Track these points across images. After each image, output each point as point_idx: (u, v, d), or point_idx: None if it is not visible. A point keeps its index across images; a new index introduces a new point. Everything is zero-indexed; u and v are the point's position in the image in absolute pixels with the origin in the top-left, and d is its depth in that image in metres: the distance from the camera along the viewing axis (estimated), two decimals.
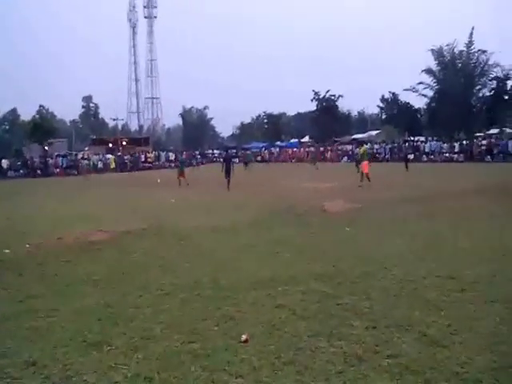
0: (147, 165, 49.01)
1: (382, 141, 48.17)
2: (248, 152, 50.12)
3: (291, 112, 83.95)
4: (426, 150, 41.57)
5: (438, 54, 47.43)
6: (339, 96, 59.66)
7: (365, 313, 4.58)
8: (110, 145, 54.25)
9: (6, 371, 3.67)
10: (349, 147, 47.50)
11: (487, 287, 5.24)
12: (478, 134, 44.41)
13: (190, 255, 7.66)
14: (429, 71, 47.85)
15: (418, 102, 55.05)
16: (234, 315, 4.67)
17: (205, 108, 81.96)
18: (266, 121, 72.56)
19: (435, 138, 43.27)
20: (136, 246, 8.63)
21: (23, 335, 4.42)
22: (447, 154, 39.59)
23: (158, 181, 26.40)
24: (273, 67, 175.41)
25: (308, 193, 16.90)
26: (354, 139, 53.05)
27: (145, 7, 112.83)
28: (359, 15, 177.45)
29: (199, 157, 56.50)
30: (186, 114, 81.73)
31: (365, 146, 24.94)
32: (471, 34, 45.68)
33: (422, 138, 46.13)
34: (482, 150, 37.99)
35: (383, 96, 56.19)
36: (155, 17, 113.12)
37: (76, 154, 50.32)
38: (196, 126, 79.05)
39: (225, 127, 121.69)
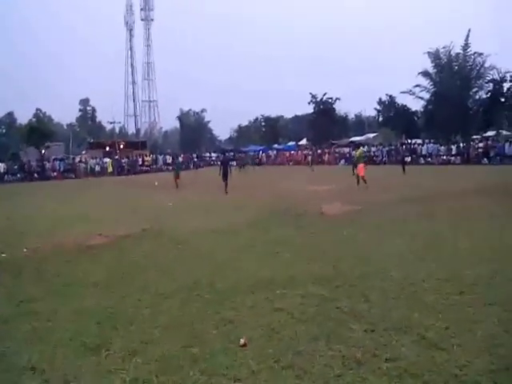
0: (145, 168, 48.94)
1: (379, 143, 48.15)
2: (242, 155, 50.38)
3: (289, 114, 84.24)
4: (423, 152, 41.55)
5: (435, 56, 47.54)
6: (336, 99, 59.73)
7: (363, 316, 4.59)
8: (108, 148, 54.14)
9: (4, 375, 3.66)
10: (346, 150, 47.49)
11: (486, 289, 5.25)
12: (474, 137, 44.49)
13: (188, 258, 7.67)
14: (425, 74, 47.91)
15: (415, 105, 55.35)
16: (233, 318, 4.67)
17: (202, 111, 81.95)
18: (263, 124, 72.55)
19: (432, 141, 43.29)
20: (135, 248, 8.63)
21: (21, 338, 4.41)
22: (444, 157, 39.61)
23: (156, 184, 26.39)
24: (272, 67, 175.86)
25: (306, 195, 16.90)
26: (352, 142, 53.09)
27: (142, 10, 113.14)
28: (359, 15, 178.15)
29: (196, 160, 56.49)
30: (183, 117, 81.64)
31: (361, 148, 24.93)
32: (467, 36, 45.83)
33: (419, 141, 46.15)
34: (479, 153, 38.02)
35: (380, 99, 56.23)
36: (152, 19, 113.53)
37: (73, 158, 50.22)
38: (193, 129, 78.94)
39: (222, 130, 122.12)
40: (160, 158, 52.42)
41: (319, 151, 51.85)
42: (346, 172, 26.75)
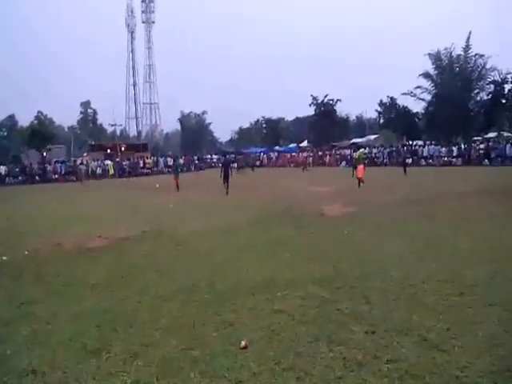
0: (146, 170, 48.99)
1: (381, 145, 48.13)
2: (240, 157, 50.64)
3: (290, 116, 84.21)
4: (425, 154, 41.51)
5: (436, 58, 47.62)
6: (337, 100, 59.83)
7: (364, 317, 4.58)
8: (109, 151, 54.19)
9: (4, 379, 3.66)
10: (347, 152, 47.45)
11: (486, 290, 5.24)
12: (475, 138, 44.45)
13: (188, 259, 7.68)
14: (426, 75, 47.98)
15: (416, 106, 55.23)
16: (233, 320, 4.67)
17: (203, 113, 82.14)
18: (264, 125, 72.63)
19: (433, 142, 43.25)
20: (135, 250, 8.64)
21: (22, 341, 4.41)
22: (445, 158, 39.59)
23: (157, 186, 26.42)
24: (272, 69, 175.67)
25: (306, 196, 16.89)
26: (353, 143, 53.11)
27: (143, 12, 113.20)
28: (359, 15, 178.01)
29: (198, 162, 56.57)
30: (184, 119, 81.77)
31: (361, 150, 24.96)
32: (468, 37, 45.94)
33: (420, 142, 46.10)
34: (480, 154, 38.02)
35: (381, 100, 56.30)
36: (153, 22, 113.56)
37: (75, 160, 50.28)
38: (194, 131, 79.09)
39: (223, 132, 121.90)
40: (161, 160, 52.46)
41: (320, 153, 51.87)
42: (347, 174, 26.76)
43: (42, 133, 45.96)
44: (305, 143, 63.81)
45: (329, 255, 7.34)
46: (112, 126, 74.18)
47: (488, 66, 44.74)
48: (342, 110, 63.12)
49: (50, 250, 8.86)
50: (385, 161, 43.75)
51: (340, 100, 59.82)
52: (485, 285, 5.44)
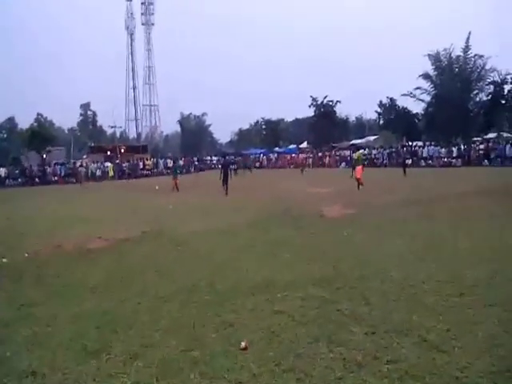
0: (145, 172, 49.04)
1: (380, 146, 48.16)
2: (238, 158, 50.67)
3: (290, 117, 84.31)
4: (424, 154, 41.51)
5: (435, 58, 47.66)
6: (337, 101, 59.90)
7: (364, 318, 4.58)
8: (109, 152, 54.18)
9: (4, 380, 3.66)
10: (347, 153, 47.44)
11: (486, 290, 5.23)
12: (475, 139, 44.47)
13: (187, 259, 7.68)
14: (426, 76, 48.01)
15: (416, 107, 55.24)
16: (233, 321, 4.67)
17: (203, 114, 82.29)
18: (264, 127, 72.67)
19: (433, 143, 43.26)
20: (134, 251, 8.65)
21: (21, 342, 4.41)
22: (445, 159, 39.59)
23: (157, 188, 26.42)
24: (272, 69, 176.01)
25: (306, 197, 16.89)
26: (353, 144, 53.17)
27: (142, 14, 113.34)
28: (359, 15, 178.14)
29: (197, 163, 56.61)
30: (183, 121, 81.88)
31: (360, 151, 24.99)
32: (468, 38, 45.98)
33: (420, 143, 46.08)
34: (480, 155, 38.05)
35: (381, 101, 56.33)
36: (152, 24, 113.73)
37: (74, 162, 50.30)
38: (194, 133, 79.18)
39: (223, 133, 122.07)
40: (161, 161, 52.50)
41: (320, 154, 51.89)
42: (347, 175, 26.75)
43: (41, 135, 45.92)
44: (304, 144, 63.88)
45: (329, 256, 7.34)
46: (112, 127, 74.35)
47: (487, 67, 44.81)
48: (341, 111, 63.27)
49: (50, 252, 8.86)
50: (384, 162, 43.75)
51: (339, 101, 59.97)
52: (485, 285, 5.44)
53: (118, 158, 51.16)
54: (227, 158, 32.44)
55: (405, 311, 4.71)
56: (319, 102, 60.07)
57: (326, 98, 59.68)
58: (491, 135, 44.53)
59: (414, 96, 48.96)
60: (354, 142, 56.80)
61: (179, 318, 4.89)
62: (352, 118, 76.83)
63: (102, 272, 7.12)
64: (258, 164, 55.31)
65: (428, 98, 48.67)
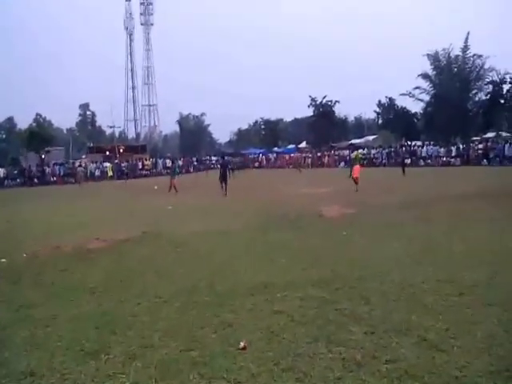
0: (144, 172, 49.01)
1: (379, 146, 48.16)
2: (236, 159, 50.68)
3: (288, 118, 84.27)
4: (423, 154, 41.58)
5: (434, 58, 47.74)
6: (336, 101, 59.88)
7: (363, 318, 4.58)
8: (108, 153, 54.14)
9: (3, 381, 3.65)
10: (346, 152, 47.49)
11: (485, 290, 5.24)
12: (474, 138, 44.56)
13: (186, 261, 7.67)
14: (425, 76, 48.10)
15: (415, 107, 55.39)
16: (232, 321, 4.66)
17: (202, 115, 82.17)
18: (263, 127, 72.66)
19: (432, 143, 43.31)
20: (134, 252, 8.64)
21: (20, 344, 4.39)
22: (444, 159, 39.64)
23: (156, 188, 26.41)
24: (272, 70, 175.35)
25: (305, 198, 16.89)
26: (351, 144, 53.24)
27: (141, 14, 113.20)
28: (359, 15, 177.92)
29: (196, 163, 56.59)
30: (182, 121, 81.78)
31: (359, 150, 25.03)
32: (467, 38, 46.09)
33: (419, 143, 46.12)
34: (479, 154, 38.10)
35: (380, 101, 56.46)
36: (152, 24, 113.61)
37: (73, 163, 50.24)
38: (193, 133, 79.06)
39: (222, 133, 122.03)
40: (160, 161, 52.44)
41: (319, 154, 51.91)
42: (345, 174, 26.74)
43: (40, 135, 45.99)
44: (303, 144, 63.89)
45: (328, 256, 7.34)
46: (111, 127, 74.10)
47: (486, 67, 44.96)
48: (340, 110, 63.30)
49: (49, 253, 8.84)
50: (383, 161, 43.76)
51: (338, 101, 59.99)
52: (484, 285, 5.44)
53: (116, 158, 51.11)
54: (226, 158, 32.50)
55: (404, 311, 4.71)
56: (318, 102, 60.06)
57: (325, 97, 59.71)
58: (490, 135, 44.60)
59: (413, 96, 49.14)
60: (352, 141, 56.88)
61: (178, 318, 4.88)
62: (351, 118, 77.06)
63: (101, 273, 7.11)
64: (257, 164, 55.36)
65: (427, 98, 48.87)
